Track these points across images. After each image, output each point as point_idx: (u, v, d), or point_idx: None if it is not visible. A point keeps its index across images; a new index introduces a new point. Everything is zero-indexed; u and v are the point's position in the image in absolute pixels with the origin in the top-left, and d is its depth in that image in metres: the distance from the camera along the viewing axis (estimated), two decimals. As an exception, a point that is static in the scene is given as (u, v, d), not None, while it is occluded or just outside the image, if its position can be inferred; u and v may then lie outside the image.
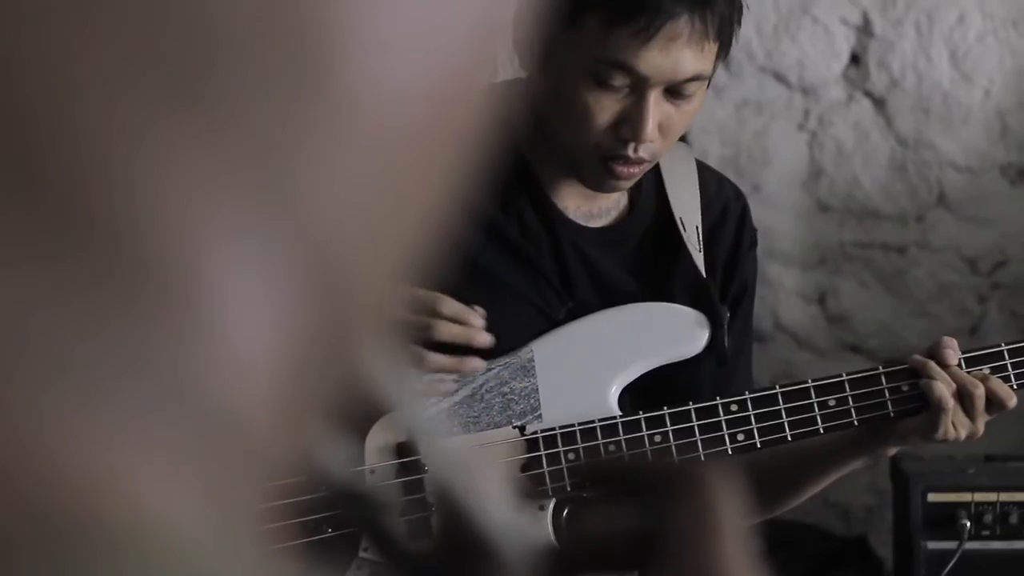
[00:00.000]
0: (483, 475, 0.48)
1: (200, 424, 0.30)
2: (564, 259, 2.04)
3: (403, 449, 1.92)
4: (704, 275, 2.07)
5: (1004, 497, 2.70)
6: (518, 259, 2.02)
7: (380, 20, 0.31)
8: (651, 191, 2.11)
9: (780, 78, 3.59)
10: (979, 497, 2.69)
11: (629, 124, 1.91)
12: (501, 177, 2.00)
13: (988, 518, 2.69)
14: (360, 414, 0.45)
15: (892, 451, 2.04)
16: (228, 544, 0.30)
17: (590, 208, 2.08)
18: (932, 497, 2.72)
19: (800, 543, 3.39)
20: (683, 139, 3.46)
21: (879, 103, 3.57)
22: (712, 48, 1.92)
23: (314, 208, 0.31)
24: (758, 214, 3.69)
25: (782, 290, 3.62)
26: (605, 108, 1.91)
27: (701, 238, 2.10)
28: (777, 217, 3.59)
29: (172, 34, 0.29)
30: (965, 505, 2.69)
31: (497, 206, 2.01)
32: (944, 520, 2.69)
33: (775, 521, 3.36)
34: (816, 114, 3.60)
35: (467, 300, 1.96)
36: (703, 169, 2.19)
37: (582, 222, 2.07)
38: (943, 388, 1.96)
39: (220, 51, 0.29)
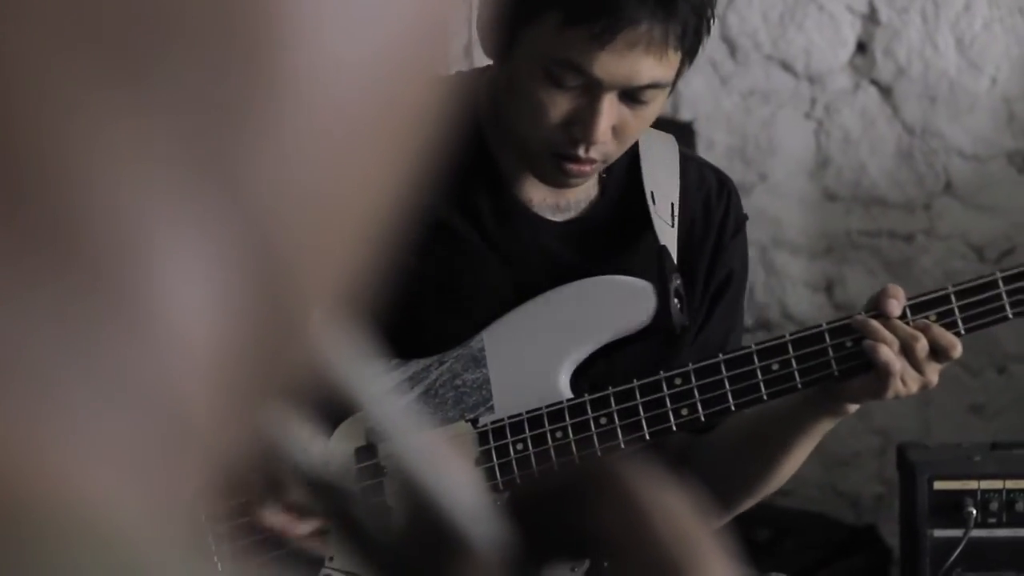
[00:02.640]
0: (446, 464, 0.48)
1: (139, 408, 0.30)
2: (523, 253, 2.01)
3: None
4: (661, 242, 2.01)
5: (1010, 484, 2.70)
6: (468, 254, 1.99)
7: (328, 7, 0.31)
8: (622, 174, 2.06)
9: (786, 67, 3.58)
10: (985, 485, 2.68)
11: (580, 125, 1.88)
12: (460, 170, 1.97)
13: (994, 506, 2.68)
14: (337, 405, 0.45)
15: (853, 408, 1.97)
16: (166, 533, 0.29)
17: (556, 200, 2.04)
18: (938, 485, 2.71)
19: (809, 532, 3.39)
20: (690, 128, 3.48)
21: (886, 91, 3.57)
22: (674, 57, 1.88)
23: (257, 189, 0.31)
24: (765, 203, 3.69)
25: (789, 279, 3.62)
26: (557, 106, 1.88)
27: (676, 214, 2.05)
28: (784, 206, 3.59)
29: (108, 6, 0.29)
30: (971, 493, 2.68)
31: (453, 200, 1.97)
32: (950, 508, 2.69)
33: (784, 510, 3.37)
34: (823, 103, 3.59)
35: (416, 291, 1.94)
36: (685, 158, 2.13)
37: (548, 215, 2.03)
38: (887, 351, 1.89)
39: (158, 26, 0.29)
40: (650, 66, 1.86)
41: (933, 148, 3.56)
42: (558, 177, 1.95)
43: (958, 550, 2.60)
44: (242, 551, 1.88)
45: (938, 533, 2.69)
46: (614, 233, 2.05)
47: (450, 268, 1.99)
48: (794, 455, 2.04)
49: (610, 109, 1.88)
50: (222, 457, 0.32)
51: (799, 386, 1.95)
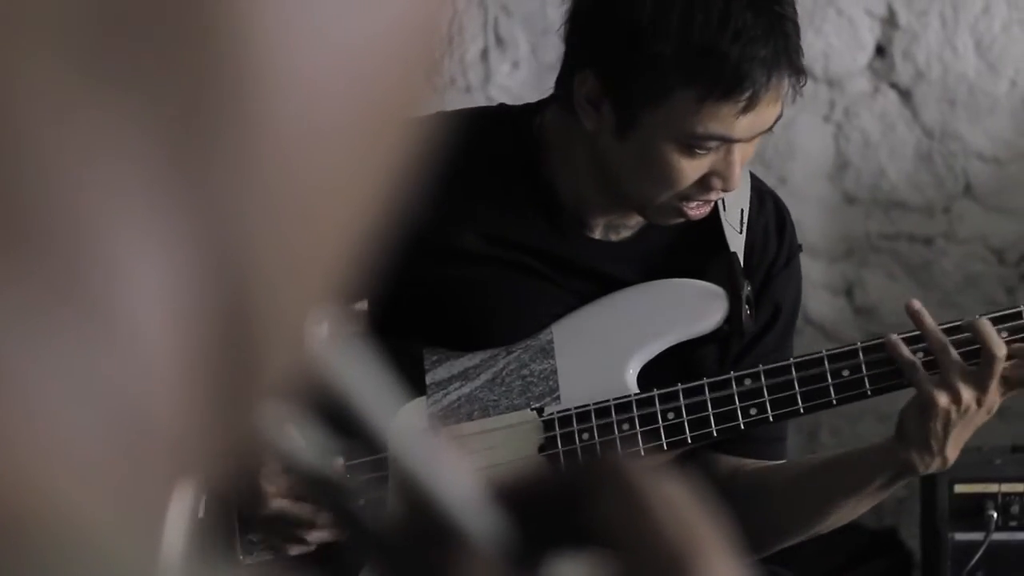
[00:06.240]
0: (443, 455, 0.48)
1: (103, 411, 0.29)
2: (581, 276, 2.03)
3: None
4: (730, 248, 2.04)
5: (1031, 488, 2.69)
6: (531, 274, 2.01)
7: (297, 16, 0.30)
8: None
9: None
10: (1006, 488, 2.68)
11: (719, 177, 1.91)
12: (516, 199, 1.99)
13: (1015, 509, 2.68)
14: (334, 404, 0.46)
15: (918, 462, 1.96)
16: (135, 539, 0.29)
17: (620, 222, 2.06)
18: (959, 488, 2.70)
19: (830, 535, 3.37)
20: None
21: (905, 94, 3.56)
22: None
23: (224, 194, 0.31)
24: (784, 207, 3.65)
25: (809, 283, 3.60)
26: (695, 169, 1.91)
27: (746, 220, 2.08)
28: (803, 209, 3.58)
29: (81, 7, 0.28)
30: (992, 496, 2.68)
31: (504, 228, 2.00)
32: (971, 511, 2.68)
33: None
34: (842, 106, 3.59)
35: (484, 295, 1.97)
36: (755, 181, 2.17)
37: (612, 237, 2.06)
38: (906, 348, 1.93)
39: (133, 28, 0.29)
40: (776, 110, 1.91)
41: (952, 151, 3.55)
42: (676, 219, 1.98)
43: (979, 553, 2.60)
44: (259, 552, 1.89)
45: (959, 536, 2.68)
46: (677, 246, 2.07)
47: (507, 293, 2.01)
48: (847, 508, 2.06)
49: (740, 154, 1.92)
50: (198, 460, 0.32)
51: (869, 393, 1.97)
